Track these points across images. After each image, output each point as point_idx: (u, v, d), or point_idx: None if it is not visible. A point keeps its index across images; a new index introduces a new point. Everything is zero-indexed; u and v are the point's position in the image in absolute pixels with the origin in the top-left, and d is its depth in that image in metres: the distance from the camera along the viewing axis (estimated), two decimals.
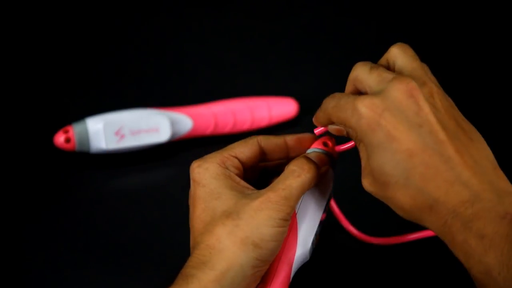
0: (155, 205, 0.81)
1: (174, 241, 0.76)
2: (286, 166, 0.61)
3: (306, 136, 0.66)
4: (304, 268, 0.64)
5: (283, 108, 0.89)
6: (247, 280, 0.58)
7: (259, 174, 0.67)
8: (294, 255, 0.62)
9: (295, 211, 0.63)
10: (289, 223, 0.60)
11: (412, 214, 0.56)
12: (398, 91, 0.56)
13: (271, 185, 0.60)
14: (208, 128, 0.87)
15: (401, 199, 0.56)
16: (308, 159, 0.62)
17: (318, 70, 0.99)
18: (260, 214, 0.58)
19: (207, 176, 0.61)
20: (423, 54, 1.01)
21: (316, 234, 0.63)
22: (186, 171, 0.85)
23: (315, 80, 0.97)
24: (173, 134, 0.85)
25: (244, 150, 0.63)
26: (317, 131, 0.64)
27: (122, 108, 0.84)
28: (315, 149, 0.65)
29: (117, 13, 1.06)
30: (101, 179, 0.83)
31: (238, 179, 0.62)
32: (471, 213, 0.53)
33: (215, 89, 0.95)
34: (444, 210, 0.54)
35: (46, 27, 1.03)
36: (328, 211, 0.68)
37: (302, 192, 0.60)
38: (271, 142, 0.65)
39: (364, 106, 0.56)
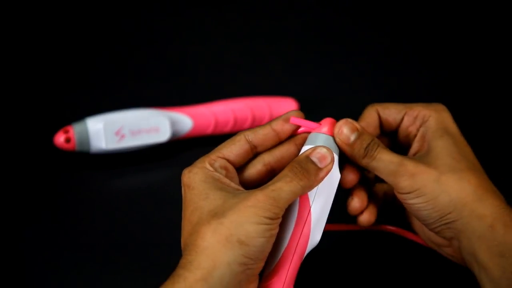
0: (155, 205, 0.81)
1: (174, 241, 0.76)
2: (284, 168, 0.61)
3: (290, 115, 0.65)
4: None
5: (283, 108, 0.89)
6: (237, 279, 0.57)
7: (266, 175, 0.66)
8: (306, 248, 0.62)
9: (309, 205, 0.62)
10: (279, 222, 0.59)
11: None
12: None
13: (263, 185, 0.59)
14: (208, 128, 0.87)
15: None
16: (305, 163, 0.61)
17: (318, 70, 0.99)
18: (245, 211, 0.57)
19: (196, 180, 0.61)
20: (423, 53, 1.02)
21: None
22: None
23: (315, 80, 0.97)
24: (173, 134, 0.85)
25: (231, 148, 0.63)
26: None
27: (122, 108, 0.84)
28: (318, 134, 0.64)
29: (117, 13, 1.06)
30: (101, 179, 0.83)
31: (228, 181, 0.61)
32: None
33: (215, 89, 0.95)
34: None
35: (47, 27, 1.03)
36: None
37: (294, 197, 0.59)
38: (258, 134, 0.64)
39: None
